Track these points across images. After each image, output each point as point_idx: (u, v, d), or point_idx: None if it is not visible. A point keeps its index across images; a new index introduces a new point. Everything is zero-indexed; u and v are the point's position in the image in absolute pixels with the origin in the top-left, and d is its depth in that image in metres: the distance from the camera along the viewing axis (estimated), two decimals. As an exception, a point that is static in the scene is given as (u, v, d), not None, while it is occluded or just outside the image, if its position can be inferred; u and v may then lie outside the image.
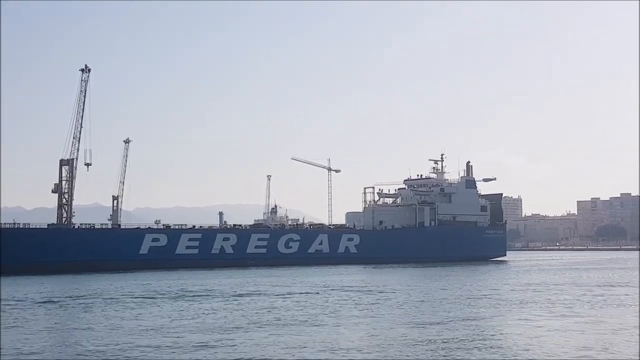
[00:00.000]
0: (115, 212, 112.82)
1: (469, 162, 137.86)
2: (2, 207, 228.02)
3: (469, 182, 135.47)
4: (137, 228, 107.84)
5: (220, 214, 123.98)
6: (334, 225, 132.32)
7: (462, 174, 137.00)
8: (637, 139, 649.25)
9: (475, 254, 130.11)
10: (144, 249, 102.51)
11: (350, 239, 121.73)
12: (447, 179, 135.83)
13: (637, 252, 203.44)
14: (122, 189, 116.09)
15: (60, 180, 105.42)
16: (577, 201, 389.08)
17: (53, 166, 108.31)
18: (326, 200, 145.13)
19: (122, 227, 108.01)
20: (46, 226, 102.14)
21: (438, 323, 37.09)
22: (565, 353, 28.59)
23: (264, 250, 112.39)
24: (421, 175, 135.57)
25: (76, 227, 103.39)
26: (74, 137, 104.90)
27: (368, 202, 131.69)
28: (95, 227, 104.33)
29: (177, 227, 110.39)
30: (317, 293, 56.24)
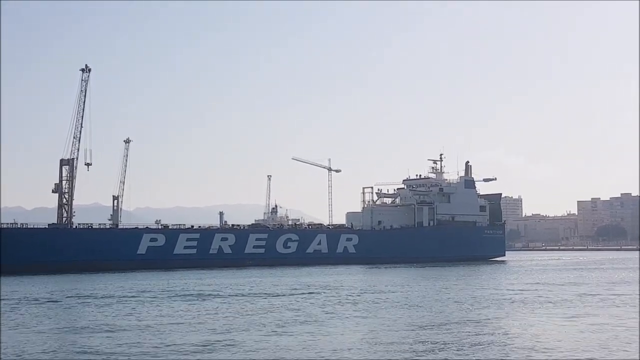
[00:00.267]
0: (116, 212, 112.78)
1: (467, 162, 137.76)
2: (2, 207, 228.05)
3: (468, 182, 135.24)
4: (135, 228, 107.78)
5: (221, 214, 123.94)
6: (332, 225, 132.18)
7: (461, 174, 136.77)
8: (637, 139, 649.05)
9: (474, 254, 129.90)
10: (142, 249, 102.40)
11: (348, 239, 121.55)
12: (446, 179, 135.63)
13: (637, 252, 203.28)
14: (122, 189, 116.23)
15: (61, 180, 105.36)
16: (578, 201, 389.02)
17: (53, 166, 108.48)
18: (327, 200, 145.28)
19: (120, 227, 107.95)
20: (45, 226, 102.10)
21: (438, 324, 37.04)
22: (566, 352, 28.56)
23: (262, 251, 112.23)
24: (420, 175, 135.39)
25: (74, 227, 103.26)
26: (74, 137, 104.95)
27: (367, 202, 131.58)
28: (94, 227, 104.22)
29: (175, 227, 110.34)
30: (312, 293, 56.10)
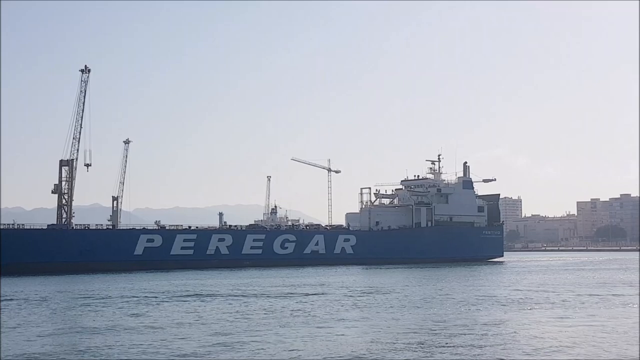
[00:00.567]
0: (115, 212, 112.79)
1: (465, 162, 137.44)
2: (2, 207, 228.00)
3: (466, 183, 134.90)
4: (132, 229, 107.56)
5: (220, 214, 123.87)
6: (330, 225, 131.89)
7: (459, 175, 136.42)
8: (637, 139, 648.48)
9: (472, 255, 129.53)
10: (138, 250, 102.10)
11: (346, 240, 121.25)
12: (444, 180, 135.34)
13: (637, 252, 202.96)
14: (122, 190, 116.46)
15: (60, 181, 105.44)
16: (577, 202, 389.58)
17: (53, 167, 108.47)
18: (326, 201, 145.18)
19: (117, 227, 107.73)
20: (44, 227, 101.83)
21: (436, 324, 36.94)
22: (566, 353, 28.47)
23: (259, 251, 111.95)
24: (418, 176, 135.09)
25: (71, 228, 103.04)
26: (73, 138, 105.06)
27: (365, 203, 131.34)
28: (90, 227, 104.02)
29: (172, 227, 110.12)
30: (308, 294, 55.90)
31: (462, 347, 29.76)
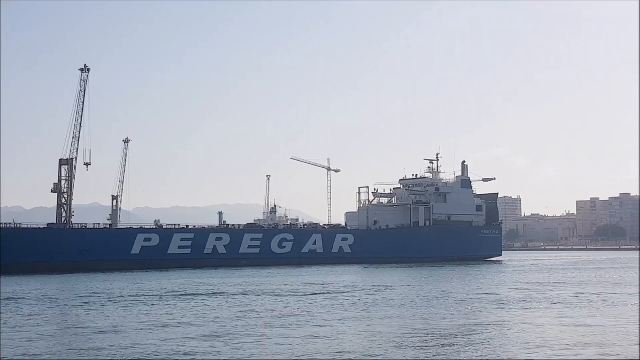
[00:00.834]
0: (115, 212, 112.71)
1: (464, 161, 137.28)
2: (2, 206, 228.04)
3: (465, 182, 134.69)
4: (129, 228, 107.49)
5: (220, 213, 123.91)
6: (328, 225, 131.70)
7: (458, 174, 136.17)
8: (637, 139, 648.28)
9: (471, 254, 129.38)
10: (135, 249, 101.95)
11: (344, 239, 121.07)
12: (443, 179, 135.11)
13: (637, 252, 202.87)
14: (122, 189, 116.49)
15: (60, 180, 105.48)
16: (577, 201, 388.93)
17: (52, 166, 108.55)
18: (326, 200, 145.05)
19: (114, 227, 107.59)
20: (42, 226, 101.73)
21: (433, 323, 36.86)
22: (565, 352, 28.39)
23: (257, 251, 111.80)
24: (416, 175, 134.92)
25: (68, 227, 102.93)
26: (73, 137, 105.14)
27: (363, 202, 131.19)
28: (88, 227, 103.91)
29: (169, 227, 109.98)
30: (304, 294, 55.74)
31: (460, 346, 29.70)
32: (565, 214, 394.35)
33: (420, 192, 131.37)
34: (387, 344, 30.43)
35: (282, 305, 46.35)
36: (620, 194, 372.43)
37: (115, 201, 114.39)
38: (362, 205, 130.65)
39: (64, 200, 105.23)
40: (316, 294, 55.34)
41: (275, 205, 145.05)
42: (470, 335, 32.75)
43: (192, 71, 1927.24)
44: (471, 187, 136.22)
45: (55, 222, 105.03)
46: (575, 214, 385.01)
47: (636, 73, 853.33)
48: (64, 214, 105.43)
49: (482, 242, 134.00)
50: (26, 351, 29.30)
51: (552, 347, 29.48)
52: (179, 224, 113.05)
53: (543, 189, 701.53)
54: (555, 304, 47.26)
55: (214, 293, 56.50)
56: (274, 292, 56.89)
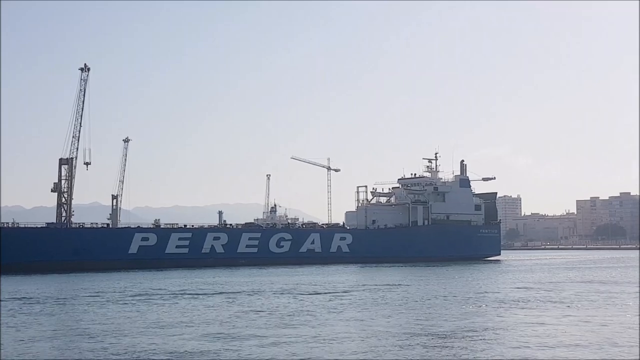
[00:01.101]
0: (115, 211, 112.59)
1: (462, 160, 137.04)
2: (2, 206, 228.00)
3: (463, 181, 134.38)
4: (127, 227, 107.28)
5: (220, 213, 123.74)
6: (326, 224, 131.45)
7: (456, 173, 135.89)
8: (637, 138, 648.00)
9: (469, 254, 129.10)
10: (133, 249, 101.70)
11: (342, 239, 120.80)
12: (441, 178, 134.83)
13: (637, 251, 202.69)
14: (122, 188, 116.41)
15: (60, 179, 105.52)
16: (577, 200, 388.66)
17: (52, 165, 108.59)
18: (326, 200, 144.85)
19: (111, 226, 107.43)
20: (38, 226, 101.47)
21: (430, 324, 36.65)
22: (565, 352, 28.29)
23: (255, 250, 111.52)
24: (415, 174, 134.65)
25: (65, 227, 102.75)
26: (73, 136, 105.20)
27: (361, 201, 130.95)
28: (85, 226, 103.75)
29: (167, 226, 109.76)
30: (301, 293, 55.54)
31: (458, 347, 29.57)
32: (565, 213, 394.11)
33: (419, 191, 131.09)
34: (385, 345, 30.22)
35: (278, 305, 46.11)
36: (620, 193, 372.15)
37: (115, 200, 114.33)
38: (360, 205, 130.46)
39: (63, 199, 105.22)
40: (313, 293, 55.07)
41: (275, 205, 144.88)
42: (468, 335, 32.52)
43: (192, 71, 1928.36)
44: (470, 186, 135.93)
45: (55, 221, 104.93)
46: (575, 213, 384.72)
47: (636, 73, 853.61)
48: (63, 214, 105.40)
49: (480, 242, 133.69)
50: (26, 351, 29.21)
51: (552, 348, 29.33)
52: (177, 223, 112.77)
53: (543, 189, 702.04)
54: (554, 303, 47.02)
55: (214, 293, 56.27)
56: (272, 291, 56.67)
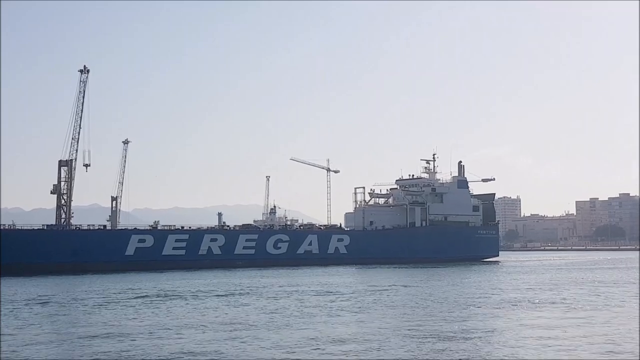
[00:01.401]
0: (114, 213, 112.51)
1: (460, 161, 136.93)
2: (1, 208, 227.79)
3: (461, 182, 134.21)
4: (124, 229, 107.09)
5: (219, 214, 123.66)
6: (324, 225, 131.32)
7: (454, 174, 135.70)
8: (637, 139, 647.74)
9: (467, 255, 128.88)
10: (130, 250, 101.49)
11: (340, 240, 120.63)
12: (439, 179, 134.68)
13: (636, 252, 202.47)
14: (121, 190, 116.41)
15: (59, 181, 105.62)
16: (576, 201, 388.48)
17: (52, 167, 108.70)
18: (326, 201, 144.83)
19: (114, 227, 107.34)
20: (35, 228, 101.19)
21: (428, 324, 36.48)
22: (565, 352, 28.21)
23: (252, 251, 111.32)
24: (413, 176, 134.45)
25: (62, 228, 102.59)
26: (72, 138, 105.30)
27: (359, 203, 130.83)
28: (82, 228, 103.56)
29: (164, 227, 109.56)
30: (296, 295, 55.35)
31: (456, 348, 29.45)
32: (564, 214, 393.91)
33: (417, 192, 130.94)
34: (384, 346, 30.10)
35: (276, 307, 45.92)
36: (620, 194, 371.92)
37: (114, 202, 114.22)
38: (358, 206, 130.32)
39: (63, 201, 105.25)
40: (311, 295, 54.86)
41: (274, 206, 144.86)
42: (466, 337, 32.37)
43: (192, 71, 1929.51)
44: (467, 187, 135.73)
45: (55, 223, 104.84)
46: (575, 214, 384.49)
47: (636, 73, 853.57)
48: (63, 215, 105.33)
49: (478, 243, 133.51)
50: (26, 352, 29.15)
51: (551, 348, 29.22)
52: (174, 225, 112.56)
53: (542, 189, 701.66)
54: (553, 304, 46.86)
55: (213, 294, 56.09)
56: (267, 293, 56.49)
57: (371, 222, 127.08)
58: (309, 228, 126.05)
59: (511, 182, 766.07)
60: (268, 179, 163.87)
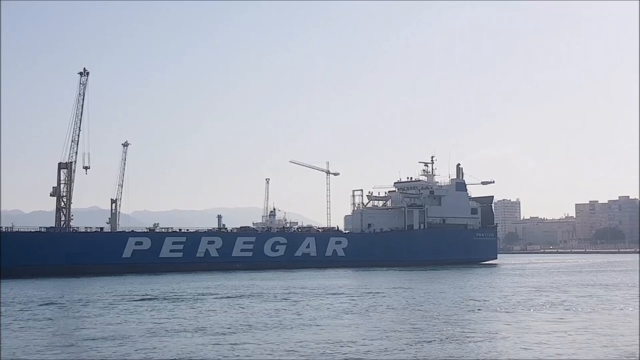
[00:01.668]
0: (114, 215, 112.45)
1: (459, 164, 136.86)
2: (1, 210, 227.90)
3: (459, 185, 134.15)
4: (121, 232, 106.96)
5: (219, 217, 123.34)
6: (322, 228, 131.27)
7: (453, 177, 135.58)
8: (637, 141, 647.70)
9: (465, 257, 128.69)
10: (127, 253, 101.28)
11: (338, 242, 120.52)
12: (437, 182, 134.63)
13: (636, 254, 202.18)
14: (121, 192, 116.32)
15: (59, 184, 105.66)
16: (576, 204, 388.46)
17: (51, 169, 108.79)
18: (325, 204, 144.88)
19: (105, 230, 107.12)
20: (34, 230, 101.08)
21: (426, 326, 36.31)
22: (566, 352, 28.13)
23: (249, 254, 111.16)
24: (411, 178, 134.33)
25: (59, 230, 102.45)
26: (72, 140, 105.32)
27: (357, 205, 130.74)
28: (79, 230, 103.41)
29: (161, 230, 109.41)
30: (293, 297, 55.21)
31: (455, 350, 29.39)
32: (564, 217, 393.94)
33: (415, 195, 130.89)
34: (382, 347, 30.03)
35: (273, 309, 45.80)
36: (620, 196, 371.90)
37: (114, 205, 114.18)
38: (356, 209, 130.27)
39: (62, 203, 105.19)
40: (308, 297, 54.71)
41: (274, 209, 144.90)
42: (465, 338, 32.32)
43: (192, 71, 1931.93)
44: (466, 190, 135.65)
45: (54, 225, 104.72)
46: (574, 216, 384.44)
47: (636, 73, 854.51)
48: (63, 218, 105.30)
49: (477, 245, 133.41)
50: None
51: (551, 348, 29.18)
52: (171, 227, 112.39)
53: (542, 190, 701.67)
54: (554, 305, 46.76)
55: (210, 297, 55.92)
56: (263, 295, 56.36)
57: (369, 225, 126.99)
58: (307, 231, 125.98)
59: (511, 182, 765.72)
60: (268, 182, 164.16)
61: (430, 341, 31.36)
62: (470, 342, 31.19)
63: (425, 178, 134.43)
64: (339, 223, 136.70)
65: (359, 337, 32.68)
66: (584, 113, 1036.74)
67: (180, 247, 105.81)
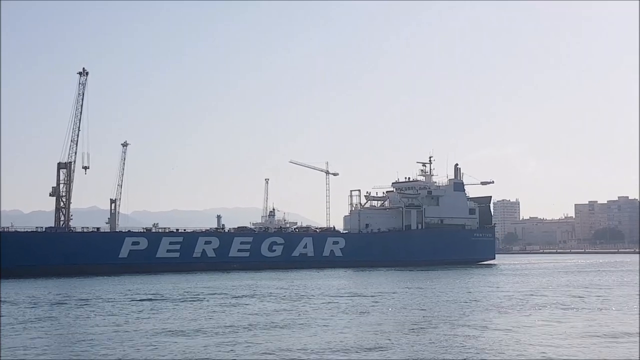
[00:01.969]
0: (113, 215, 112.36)
1: (457, 164, 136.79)
2: (1, 210, 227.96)
3: (457, 185, 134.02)
4: (117, 231, 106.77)
5: (219, 217, 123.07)
6: (320, 228, 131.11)
7: (450, 177, 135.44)
8: (637, 141, 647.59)
9: (463, 257, 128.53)
10: (123, 253, 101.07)
11: (335, 243, 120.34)
12: (435, 182, 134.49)
13: (635, 255, 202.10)
14: (120, 192, 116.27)
15: (58, 184, 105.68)
16: (575, 204, 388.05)
17: (51, 169, 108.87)
18: (325, 204, 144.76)
19: (101, 230, 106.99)
20: (31, 230, 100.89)
21: (423, 326, 36.24)
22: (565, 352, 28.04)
23: (246, 254, 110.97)
24: (409, 178, 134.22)
25: (54, 231, 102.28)
26: (71, 141, 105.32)
27: (354, 205, 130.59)
28: (76, 230, 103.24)
29: (158, 230, 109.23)
30: (290, 298, 55.05)
31: (455, 349, 29.35)
32: (563, 217, 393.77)
33: (412, 195, 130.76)
34: (379, 348, 29.93)
35: (271, 309, 45.68)
36: (619, 197, 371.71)
37: (113, 205, 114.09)
38: (353, 209, 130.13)
39: (62, 204, 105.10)
40: (305, 297, 54.55)
41: (273, 209, 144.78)
42: (463, 339, 32.17)
43: (192, 71, 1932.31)
44: (464, 190, 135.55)
45: (53, 225, 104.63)
46: (574, 217, 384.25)
47: (636, 73, 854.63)
48: (62, 218, 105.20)
49: (475, 245, 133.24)
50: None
51: (551, 349, 29.01)
52: (168, 228, 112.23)
53: (542, 190, 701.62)
54: (553, 305, 46.63)
55: (207, 297, 55.73)
56: (260, 296, 56.21)
57: (367, 225, 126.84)
58: (305, 231, 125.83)
59: (511, 182, 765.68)
60: (267, 182, 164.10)
61: (430, 341, 31.28)
62: (470, 342, 31.10)
63: (423, 178, 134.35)
64: (338, 223, 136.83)
65: (357, 337, 32.58)
66: (584, 113, 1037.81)
67: (177, 247, 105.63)
